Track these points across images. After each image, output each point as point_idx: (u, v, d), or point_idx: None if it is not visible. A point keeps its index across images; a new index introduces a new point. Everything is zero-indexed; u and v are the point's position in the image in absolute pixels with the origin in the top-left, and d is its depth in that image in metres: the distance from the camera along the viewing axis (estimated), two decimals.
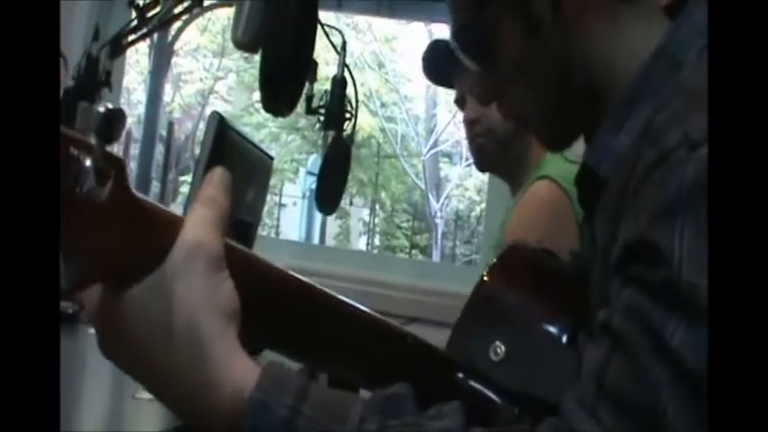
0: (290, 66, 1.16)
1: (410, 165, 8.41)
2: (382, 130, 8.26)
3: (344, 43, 1.80)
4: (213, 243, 0.65)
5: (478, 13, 0.86)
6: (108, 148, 0.59)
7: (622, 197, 0.70)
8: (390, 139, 8.32)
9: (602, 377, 0.64)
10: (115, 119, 0.59)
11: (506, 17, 0.84)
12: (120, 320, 0.65)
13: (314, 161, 7.52)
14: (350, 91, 1.81)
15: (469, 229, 8.09)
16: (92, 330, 1.26)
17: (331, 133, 1.74)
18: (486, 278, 0.89)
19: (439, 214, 8.15)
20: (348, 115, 1.78)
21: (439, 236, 8.06)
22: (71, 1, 2.92)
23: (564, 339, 0.81)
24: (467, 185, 8.30)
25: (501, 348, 0.79)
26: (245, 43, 1.12)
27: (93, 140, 0.59)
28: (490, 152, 1.97)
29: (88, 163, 0.58)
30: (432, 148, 8.30)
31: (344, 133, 1.77)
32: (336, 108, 1.74)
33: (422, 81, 8.40)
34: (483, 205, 5.94)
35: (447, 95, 8.27)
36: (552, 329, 0.83)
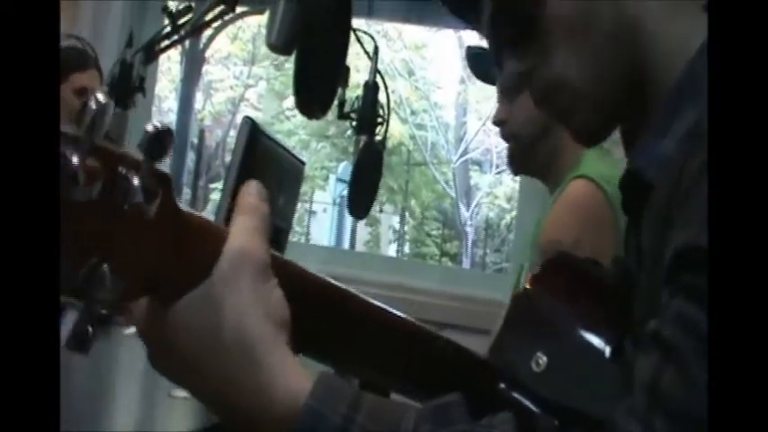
0: (323, 67, 1.16)
1: (440, 172, 8.40)
2: (412, 137, 8.26)
3: (376, 48, 1.81)
4: (259, 251, 0.66)
5: None
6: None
7: (670, 203, 0.69)
8: (420, 147, 8.32)
9: (656, 388, 0.63)
10: (164, 137, 0.60)
11: None
12: (169, 332, 0.65)
13: (344, 168, 7.53)
14: (381, 97, 1.82)
15: (500, 237, 8.06)
16: (126, 331, 1.28)
17: (363, 138, 1.75)
18: (528, 287, 0.88)
19: (469, 222, 8.13)
20: (380, 120, 1.78)
21: (469, 244, 8.04)
22: (105, 6, 2.96)
23: (607, 352, 0.79)
24: (497, 193, 8.27)
25: (543, 359, 0.79)
26: (278, 46, 1.13)
27: (140, 158, 0.59)
28: (517, 156, 1.97)
29: (136, 181, 0.59)
30: (462, 155, 8.28)
31: (376, 138, 1.78)
32: (368, 113, 1.75)
33: (452, 88, 8.42)
34: (513, 213, 5.91)
35: (477, 104, 8.26)
36: (595, 341, 0.81)
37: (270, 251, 0.67)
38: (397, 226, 8.47)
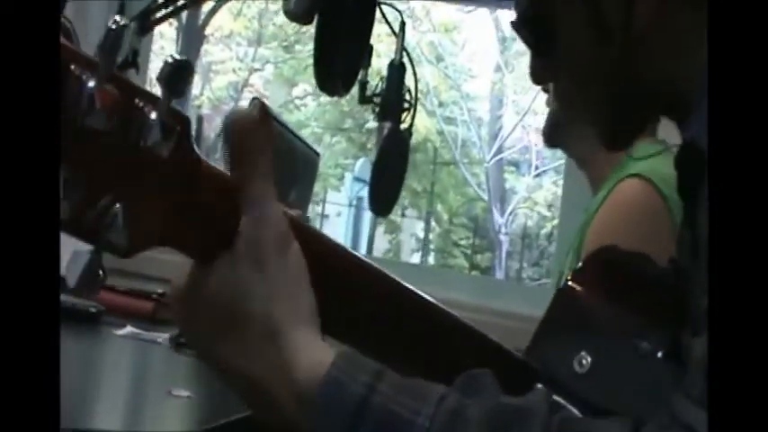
0: (347, 38, 1.17)
1: (471, 173, 8.38)
2: (440, 132, 8.24)
3: (403, 24, 1.81)
4: (276, 217, 0.72)
5: (544, 6, 0.90)
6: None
7: None
8: (449, 144, 8.30)
9: None
10: (183, 71, 0.62)
11: (573, 18, 0.87)
12: (201, 300, 0.72)
13: (362, 165, 7.52)
14: (408, 81, 1.82)
15: (538, 249, 8.04)
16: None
17: (387, 125, 1.75)
18: (570, 283, 0.90)
19: (503, 230, 8.10)
20: (406, 105, 1.79)
21: (503, 255, 8.01)
22: None
23: (658, 352, 0.82)
24: (536, 199, 8.24)
25: (587, 359, 0.81)
26: (297, 13, 1.14)
27: (159, 93, 0.62)
28: (549, 124, 1.94)
29: (153, 116, 0.61)
30: (496, 154, 8.26)
31: (402, 126, 1.78)
32: (394, 96, 1.76)
33: (486, 77, 8.41)
34: (555, 222, 5.90)
35: (515, 95, 8.24)
36: (644, 341, 0.83)
37: (286, 213, 0.73)
38: (421, 234, 8.45)
